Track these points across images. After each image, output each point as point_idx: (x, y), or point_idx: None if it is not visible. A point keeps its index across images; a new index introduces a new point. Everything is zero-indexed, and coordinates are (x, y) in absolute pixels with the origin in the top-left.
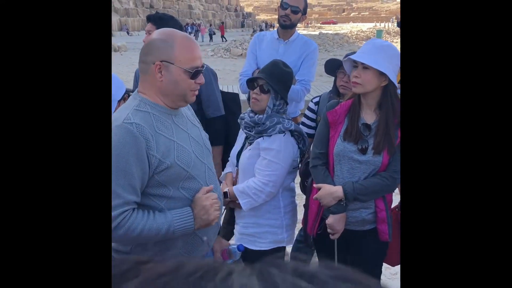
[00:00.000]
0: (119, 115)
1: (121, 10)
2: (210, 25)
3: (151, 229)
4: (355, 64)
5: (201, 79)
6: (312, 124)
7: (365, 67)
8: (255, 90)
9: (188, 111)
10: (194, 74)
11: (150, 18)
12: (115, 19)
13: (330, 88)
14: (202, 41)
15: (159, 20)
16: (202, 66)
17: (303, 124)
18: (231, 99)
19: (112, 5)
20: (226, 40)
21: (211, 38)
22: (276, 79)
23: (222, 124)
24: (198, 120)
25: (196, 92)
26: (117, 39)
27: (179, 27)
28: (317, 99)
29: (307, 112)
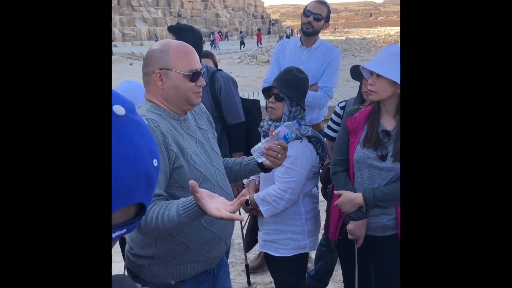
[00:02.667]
0: None
1: (150, 20)
2: (241, 32)
3: (163, 216)
4: (371, 71)
5: (201, 81)
6: (338, 128)
7: (379, 75)
8: (270, 99)
9: (197, 110)
10: (192, 76)
11: (170, 29)
12: (144, 28)
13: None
14: (218, 49)
15: (178, 30)
16: (201, 69)
17: (329, 128)
18: (252, 106)
19: (141, 15)
20: (261, 46)
21: (243, 44)
22: (289, 86)
23: (243, 131)
24: (207, 120)
25: (201, 94)
26: (147, 48)
27: (199, 37)
28: (343, 104)
29: (333, 117)
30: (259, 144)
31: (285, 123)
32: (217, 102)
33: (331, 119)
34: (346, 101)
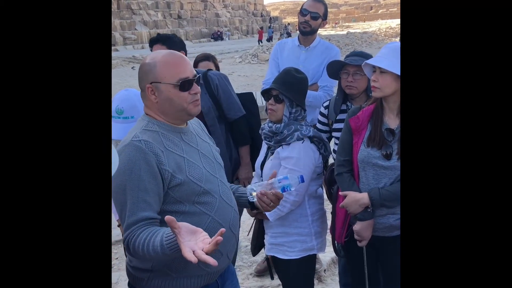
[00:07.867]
0: (128, 136)
1: (150, 23)
2: (269, 27)
3: (148, 245)
4: (374, 68)
5: (195, 89)
6: (325, 128)
7: (383, 71)
8: (270, 101)
9: (198, 127)
10: (182, 85)
11: (157, 41)
12: (145, 31)
13: None
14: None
15: (167, 39)
16: (194, 76)
17: (317, 129)
18: (247, 100)
19: (142, 18)
20: (261, 44)
21: (270, 41)
22: (289, 87)
23: (245, 124)
24: (208, 137)
25: (198, 102)
26: (148, 51)
27: (180, 41)
28: (327, 103)
29: (319, 117)
30: (256, 184)
31: (289, 175)
32: (216, 101)
33: (318, 120)
34: (329, 100)
